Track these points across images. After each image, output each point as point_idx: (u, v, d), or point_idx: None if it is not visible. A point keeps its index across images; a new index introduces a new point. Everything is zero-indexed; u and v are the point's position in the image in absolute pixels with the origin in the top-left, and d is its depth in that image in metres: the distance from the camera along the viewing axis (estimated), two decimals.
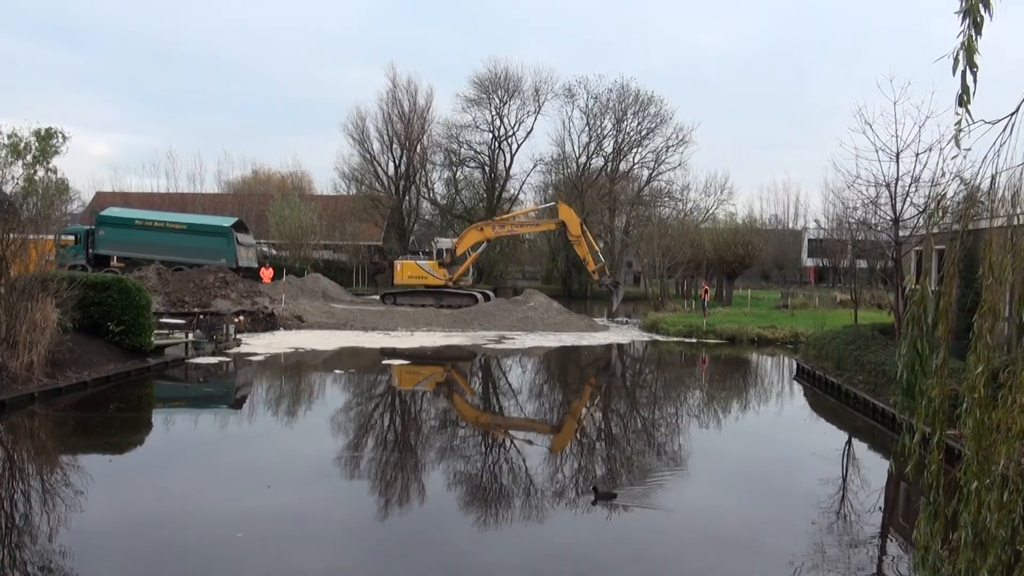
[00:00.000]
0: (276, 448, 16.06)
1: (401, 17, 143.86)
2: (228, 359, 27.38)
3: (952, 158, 5.03)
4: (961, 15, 4.50)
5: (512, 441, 17.14)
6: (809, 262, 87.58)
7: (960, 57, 4.49)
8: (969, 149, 4.77)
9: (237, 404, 21.47)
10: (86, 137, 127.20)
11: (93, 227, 48.41)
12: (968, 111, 4.57)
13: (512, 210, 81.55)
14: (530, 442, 16.99)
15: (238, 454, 15.45)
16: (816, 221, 73.11)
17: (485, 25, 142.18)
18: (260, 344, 31.36)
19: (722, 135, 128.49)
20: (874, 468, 15.67)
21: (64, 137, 77.84)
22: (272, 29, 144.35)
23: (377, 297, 52.37)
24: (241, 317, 35.35)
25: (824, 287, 70.22)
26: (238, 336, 31.66)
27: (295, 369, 27.30)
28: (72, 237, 46.14)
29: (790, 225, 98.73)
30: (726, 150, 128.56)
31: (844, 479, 14.84)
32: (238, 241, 47.72)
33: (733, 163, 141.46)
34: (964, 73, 4.50)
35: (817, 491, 13.24)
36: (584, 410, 21.80)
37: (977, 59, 4.47)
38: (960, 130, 4.65)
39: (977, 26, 4.46)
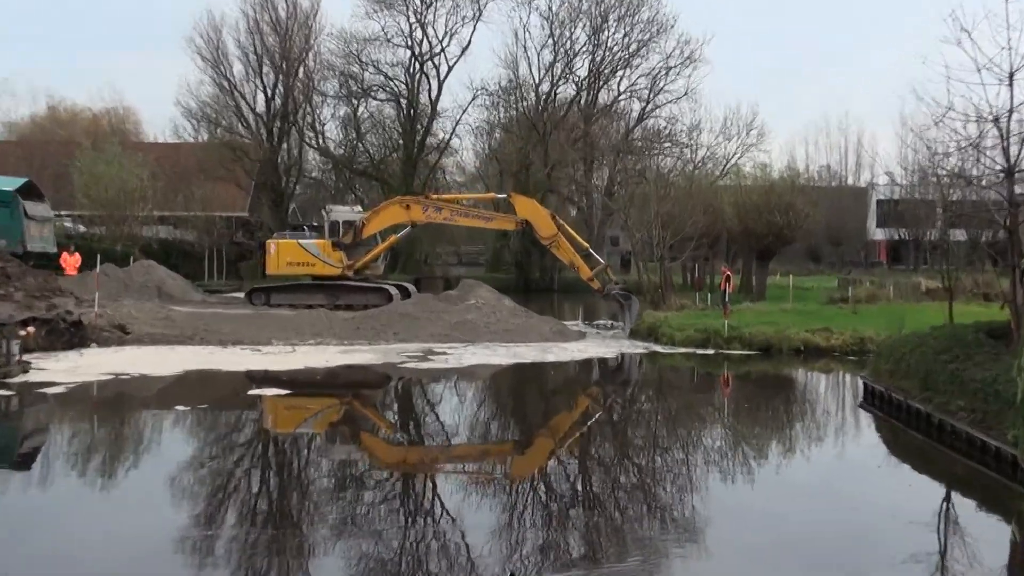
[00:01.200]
0: (84, 527, 15.62)
1: None
2: (11, 392, 26.74)
3: None
4: None
5: (443, 507, 16.86)
6: (879, 234, 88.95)
7: None
8: None
9: (23, 462, 20.92)
10: None
11: None
12: None
13: (442, 163, 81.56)
14: (478, 487, 16.74)
15: (24, 537, 14.90)
16: (888, 174, 74.31)
17: None
18: (61, 369, 30.77)
19: (749, 60, 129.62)
20: (987, 536, 15.61)
21: None
22: None
23: (241, 294, 52.08)
24: (31, 328, 34.61)
25: (902, 270, 71.33)
26: (25, 358, 31.01)
27: (114, 406, 26.84)
28: None
29: (850, 181, 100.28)
30: (756, 77, 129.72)
31: (943, 554, 14.80)
32: (26, 213, 47.29)
33: (765, 95, 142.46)
34: None
35: (904, 573, 13.16)
36: (552, 460, 21.64)
37: None
38: None
39: None
